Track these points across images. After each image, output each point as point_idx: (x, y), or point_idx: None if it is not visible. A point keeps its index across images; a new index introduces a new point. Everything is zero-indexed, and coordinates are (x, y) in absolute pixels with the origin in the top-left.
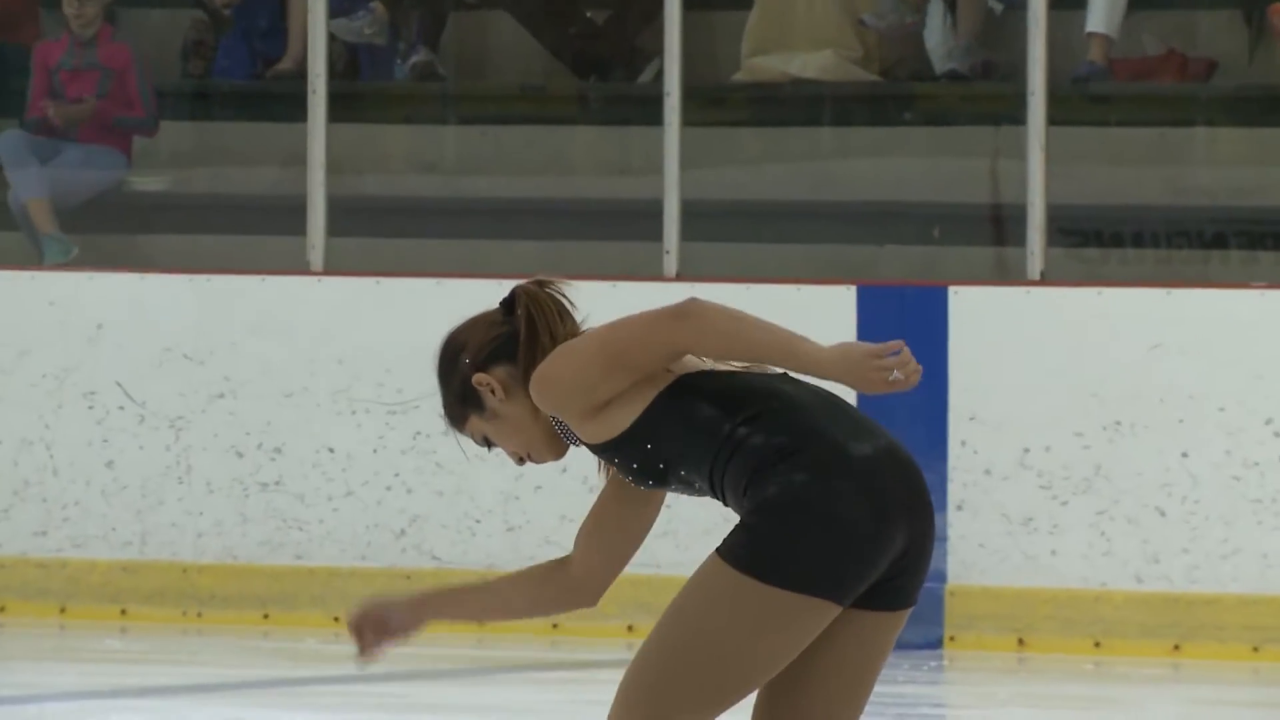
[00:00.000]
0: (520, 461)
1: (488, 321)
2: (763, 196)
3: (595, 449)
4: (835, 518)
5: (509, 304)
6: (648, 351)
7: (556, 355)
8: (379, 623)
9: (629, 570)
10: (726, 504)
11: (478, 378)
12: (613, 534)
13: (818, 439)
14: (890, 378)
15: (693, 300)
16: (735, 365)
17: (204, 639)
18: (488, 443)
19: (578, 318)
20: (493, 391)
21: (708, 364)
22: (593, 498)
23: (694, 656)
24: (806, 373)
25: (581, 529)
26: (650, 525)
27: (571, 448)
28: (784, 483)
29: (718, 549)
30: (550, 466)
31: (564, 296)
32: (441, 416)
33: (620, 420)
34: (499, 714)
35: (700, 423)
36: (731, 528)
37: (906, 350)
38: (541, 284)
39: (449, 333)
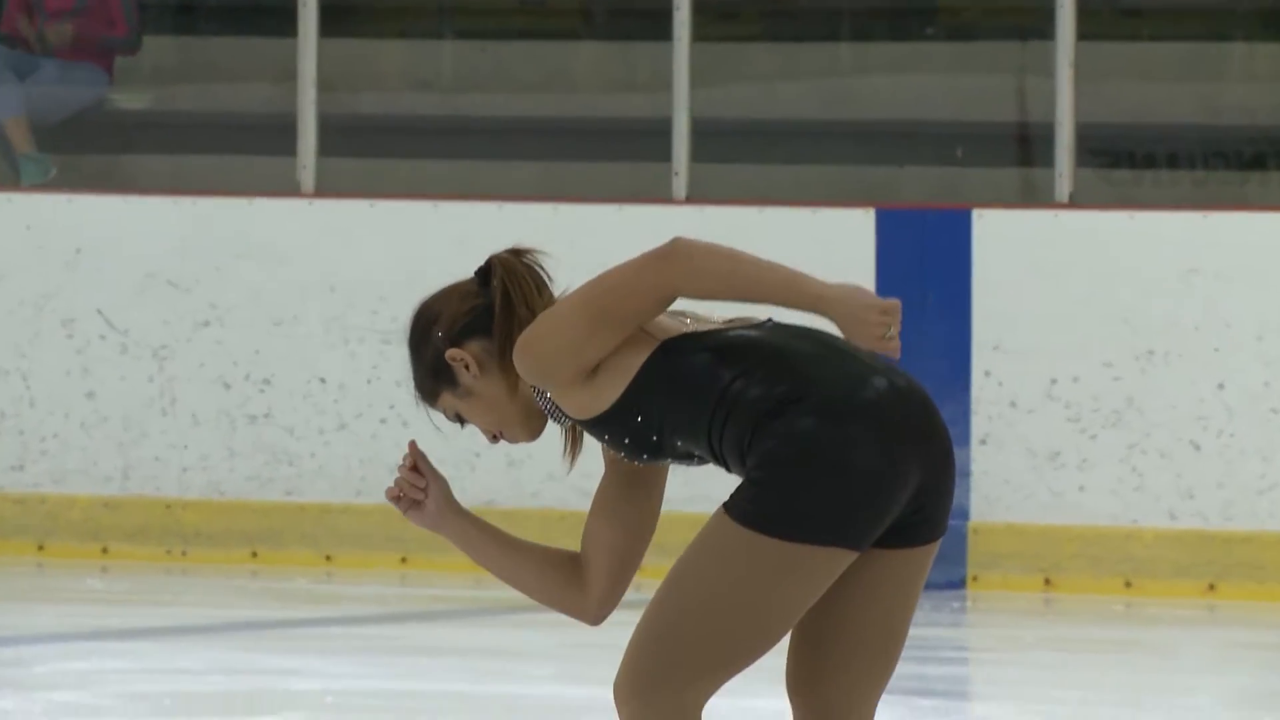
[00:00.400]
0: (494, 439)
1: (461, 292)
2: (777, 115)
3: (583, 425)
4: (844, 462)
5: (484, 274)
6: (636, 299)
7: (540, 319)
8: (426, 481)
9: None
10: (730, 470)
11: (451, 353)
12: (618, 530)
13: (818, 383)
14: (887, 334)
15: (678, 239)
16: (718, 319)
17: (189, 579)
18: (460, 419)
19: (555, 290)
20: (467, 367)
21: (689, 325)
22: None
23: (704, 619)
24: (808, 309)
25: (586, 531)
26: (655, 516)
27: (547, 428)
28: (787, 432)
29: (724, 505)
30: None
31: (541, 267)
32: (413, 392)
33: (606, 393)
34: (493, 657)
35: (691, 386)
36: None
37: (899, 315)
38: (518, 254)
39: (420, 303)
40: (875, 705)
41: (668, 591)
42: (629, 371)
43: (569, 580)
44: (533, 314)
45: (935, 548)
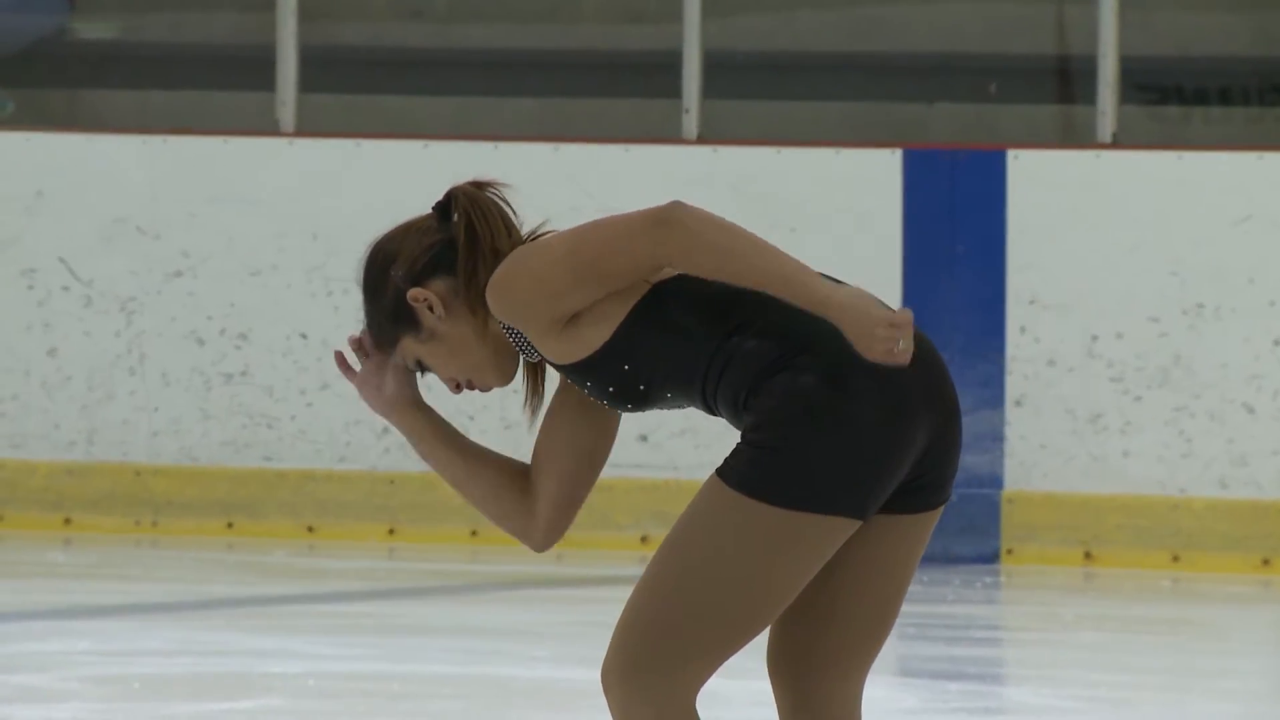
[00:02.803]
0: (457, 389)
1: (420, 229)
2: (795, 48)
3: (562, 370)
4: (848, 424)
5: (443, 208)
6: (624, 260)
7: (520, 256)
8: (380, 368)
9: (643, 473)
10: (724, 417)
11: (414, 293)
12: (569, 459)
13: (821, 339)
14: (899, 348)
15: (677, 205)
16: None
17: (159, 551)
18: (421, 367)
19: (522, 228)
20: (430, 308)
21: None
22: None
23: (698, 595)
24: (809, 308)
25: (536, 454)
26: (610, 443)
27: (519, 374)
28: (787, 390)
29: (718, 470)
30: None
31: (506, 202)
32: (369, 339)
33: (591, 338)
34: (487, 637)
35: (685, 336)
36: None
37: (911, 328)
38: (480, 185)
39: (374, 243)
40: (863, 684)
41: (659, 566)
42: (617, 315)
43: (520, 502)
44: (498, 252)
45: (937, 515)
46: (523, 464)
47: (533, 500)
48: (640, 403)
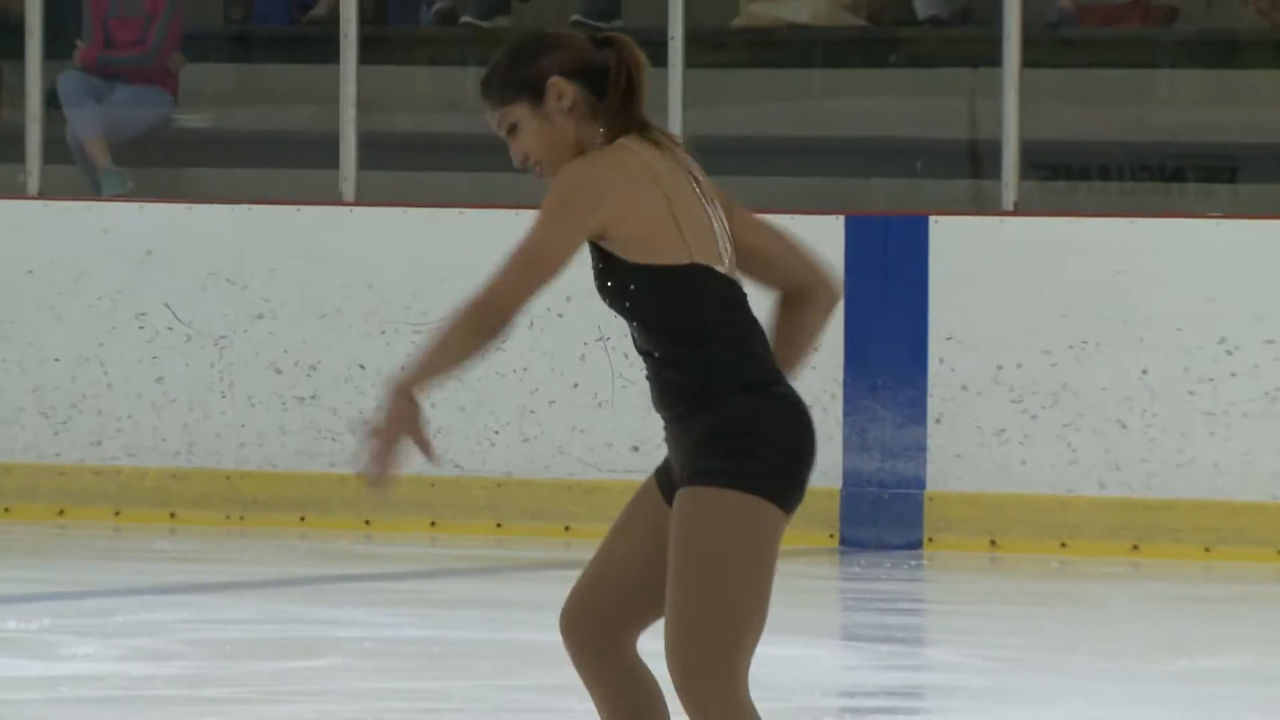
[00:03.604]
0: (524, 163)
1: (583, 42)
2: (760, 133)
3: (591, 244)
4: (797, 443)
5: (602, 43)
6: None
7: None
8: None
9: (636, 477)
10: (648, 363)
11: (557, 80)
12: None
13: (777, 380)
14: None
15: (490, 318)
16: (730, 261)
17: (245, 540)
18: (510, 130)
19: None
20: (560, 97)
21: (724, 265)
22: (602, 414)
23: (730, 594)
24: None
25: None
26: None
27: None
28: (748, 410)
29: (692, 480)
30: (562, 383)
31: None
32: (486, 81)
33: (632, 253)
34: (510, 608)
35: (685, 314)
36: (685, 439)
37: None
38: (636, 44)
39: (537, 31)
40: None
41: (686, 581)
42: (658, 256)
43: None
44: (633, 102)
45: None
46: None
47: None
48: (607, 300)
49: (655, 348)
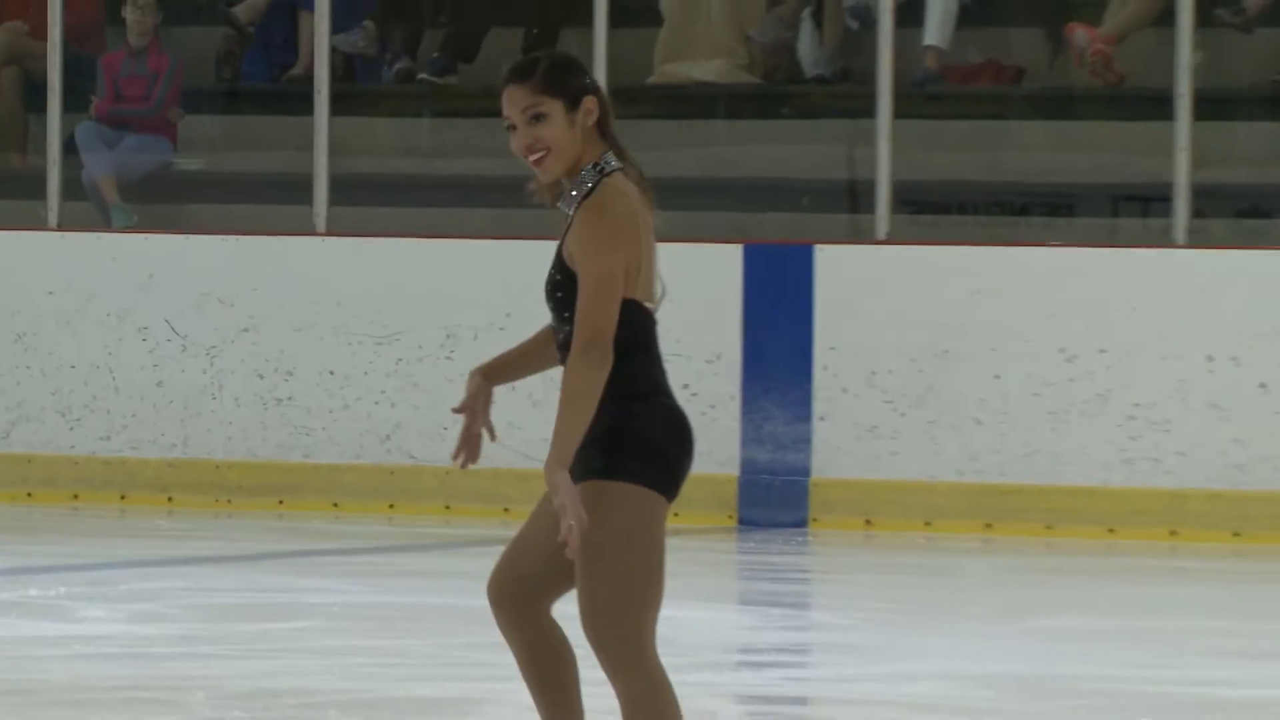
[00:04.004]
0: (528, 151)
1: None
2: (671, 174)
3: (560, 257)
4: (678, 446)
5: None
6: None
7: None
8: (482, 407)
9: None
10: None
11: (593, 101)
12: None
13: (667, 392)
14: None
15: (601, 350)
16: (656, 300)
17: (232, 520)
18: (535, 118)
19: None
20: (590, 113)
21: (652, 303)
22: (537, 414)
23: (629, 571)
24: (552, 454)
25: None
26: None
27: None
28: (646, 419)
29: (584, 476)
30: (502, 387)
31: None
32: (525, 71)
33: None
34: (458, 578)
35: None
36: (582, 454)
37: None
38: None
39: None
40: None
41: (592, 565)
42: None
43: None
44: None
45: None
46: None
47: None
48: (555, 313)
49: (564, 344)
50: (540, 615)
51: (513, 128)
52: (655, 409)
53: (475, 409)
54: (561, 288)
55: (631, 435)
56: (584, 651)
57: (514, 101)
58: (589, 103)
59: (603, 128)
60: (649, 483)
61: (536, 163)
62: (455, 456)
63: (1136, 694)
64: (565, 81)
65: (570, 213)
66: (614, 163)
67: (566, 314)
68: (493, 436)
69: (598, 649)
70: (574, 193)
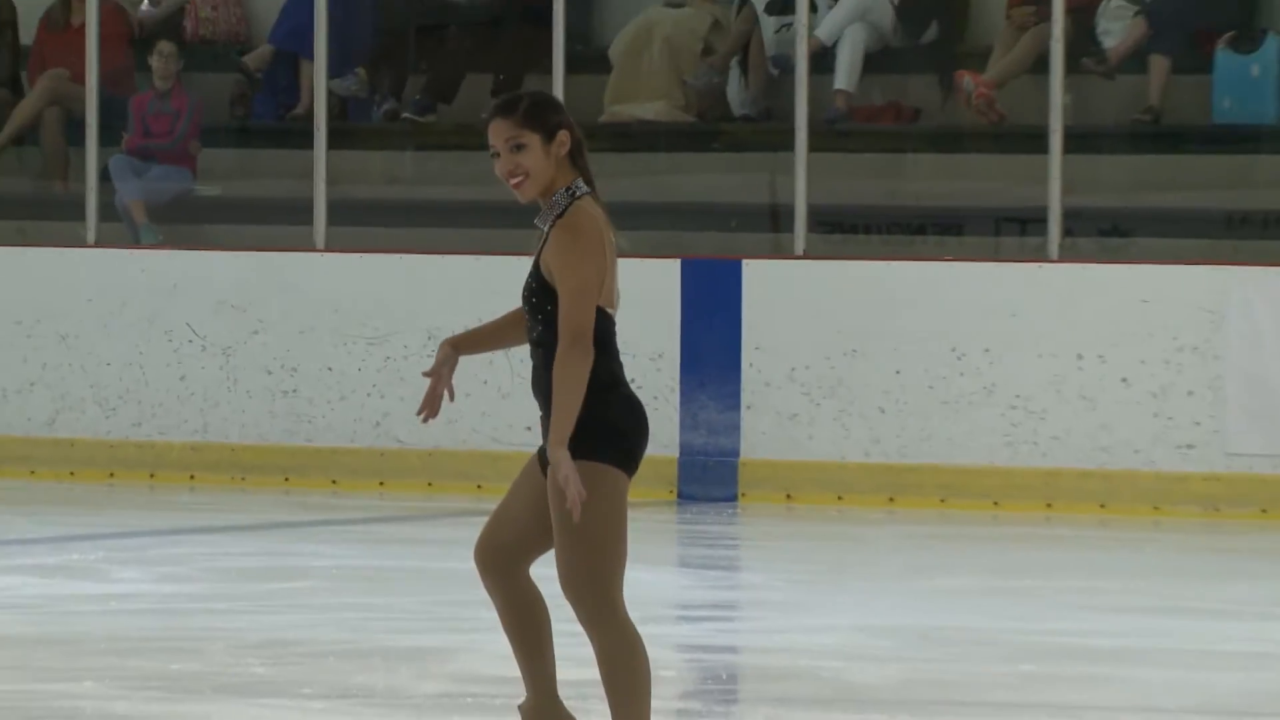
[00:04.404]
0: (509, 175)
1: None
2: (619, 200)
3: (538, 271)
4: (639, 430)
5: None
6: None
7: (585, 262)
8: (446, 373)
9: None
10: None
11: (565, 134)
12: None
13: (623, 383)
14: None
15: (584, 347)
16: (616, 305)
17: (246, 495)
18: (516, 148)
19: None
20: (563, 144)
21: (613, 309)
22: (505, 404)
23: (600, 537)
24: (553, 430)
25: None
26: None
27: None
28: (616, 404)
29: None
30: (475, 381)
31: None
32: (509, 106)
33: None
34: (444, 545)
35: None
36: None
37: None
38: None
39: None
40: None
41: (568, 535)
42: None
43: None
44: (583, 159)
45: None
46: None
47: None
48: (530, 315)
49: (548, 349)
50: (519, 576)
51: (496, 155)
52: (617, 400)
53: (441, 374)
54: (536, 294)
55: (598, 423)
56: (556, 607)
57: (498, 132)
58: (563, 135)
59: (574, 157)
60: (614, 461)
61: (516, 185)
62: (420, 412)
63: (1019, 643)
64: (543, 117)
65: (545, 229)
66: (584, 188)
67: (539, 316)
68: (451, 398)
69: (575, 604)
70: (549, 212)
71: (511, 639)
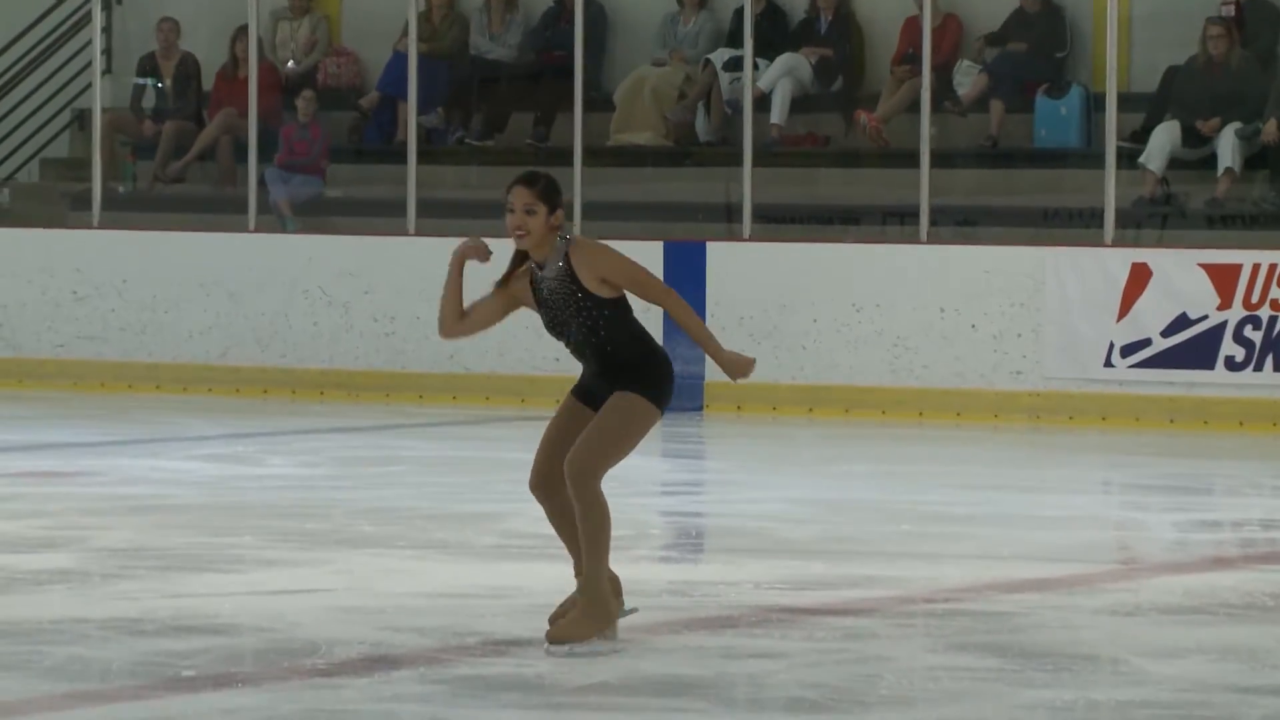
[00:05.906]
0: (515, 230)
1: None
2: (620, 200)
3: (572, 285)
4: (669, 385)
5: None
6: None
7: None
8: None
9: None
10: (596, 363)
11: (561, 214)
12: (479, 319)
13: (658, 351)
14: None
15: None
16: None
17: (358, 407)
18: (528, 212)
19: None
20: (559, 220)
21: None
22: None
23: (618, 441)
24: (704, 345)
25: (471, 311)
26: (495, 322)
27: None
28: (656, 368)
29: (625, 388)
30: (524, 330)
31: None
32: (532, 180)
33: (606, 293)
34: (495, 442)
35: (627, 323)
36: (620, 379)
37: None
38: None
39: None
40: None
41: (605, 422)
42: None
43: (457, 318)
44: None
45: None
46: (466, 309)
47: (460, 320)
48: (589, 324)
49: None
50: (565, 494)
51: (511, 210)
52: (657, 354)
53: (463, 259)
54: (588, 304)
55: (647, 369)
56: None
57: (519, 196)
58: (560, 214)
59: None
60: (653, 399)
61: (519, 238)
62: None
63: (900, 510)
64: (552, 196)
65: (548, 273)
66: (569, 234)
67: (601, 317)
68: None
69: (574, 476)
70: (553, 258)
71: (561, 535)
